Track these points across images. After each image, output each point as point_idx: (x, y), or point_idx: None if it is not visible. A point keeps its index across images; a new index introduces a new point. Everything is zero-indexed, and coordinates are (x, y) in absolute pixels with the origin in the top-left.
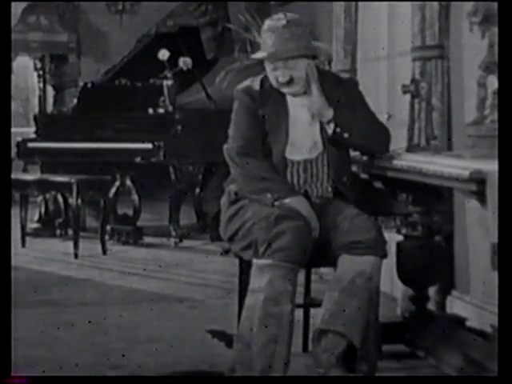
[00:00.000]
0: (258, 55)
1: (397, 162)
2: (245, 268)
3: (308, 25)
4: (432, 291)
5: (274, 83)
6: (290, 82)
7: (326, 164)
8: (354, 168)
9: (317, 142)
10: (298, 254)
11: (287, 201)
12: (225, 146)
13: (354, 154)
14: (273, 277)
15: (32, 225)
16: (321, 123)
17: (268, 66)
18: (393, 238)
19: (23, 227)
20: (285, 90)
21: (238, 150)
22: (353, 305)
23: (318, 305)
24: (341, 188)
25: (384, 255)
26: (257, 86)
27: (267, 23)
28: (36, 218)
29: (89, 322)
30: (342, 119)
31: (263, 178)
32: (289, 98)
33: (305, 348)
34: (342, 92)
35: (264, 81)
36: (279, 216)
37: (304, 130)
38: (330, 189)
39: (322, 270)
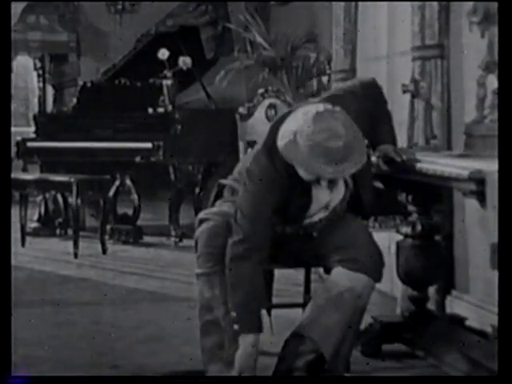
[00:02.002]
0: (292, 156)
1: (396, 162)
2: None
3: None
4: (432, 291)
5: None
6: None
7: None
8: None
9: (339, 199)
10: (214, 255)
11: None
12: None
13: None
14: (200, 286)
15: (32, 224)
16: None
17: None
18: (392, 237)
19: (23, 227)
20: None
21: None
22: (334, 317)
23: None
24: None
25: (378, 279)
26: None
27: (307, 113)
28: (36, 217)
29: (89, 321)
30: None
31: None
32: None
33: None
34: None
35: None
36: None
37: (324, 203)
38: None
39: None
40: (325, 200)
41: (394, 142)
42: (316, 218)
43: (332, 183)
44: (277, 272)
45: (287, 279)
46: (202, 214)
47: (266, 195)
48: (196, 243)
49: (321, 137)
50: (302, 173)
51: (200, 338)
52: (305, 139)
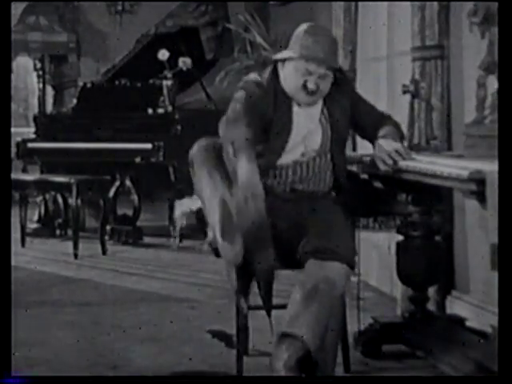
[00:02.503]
0: (289, 54)
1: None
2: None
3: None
4: (432, 291)
5: (292, 87)
6: (314, 93)
7: (321, 166)
8: (354, 168)
9: (313, 149)
10: None
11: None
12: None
13: (355, 154)
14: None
15: (32, 225)
16: (323, 130)
17: (294, 67)
18: (392, 237)
19: (23, 227)
20: (301, 97)
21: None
22: (312, 310)
23: None
24: (335, 189)
25: (352, 265)
26: (265, 83)
27: (304, 27)
28: (36, 218)
29: (88, 322)
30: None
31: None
32: (294, 106)
33: None
34: (345, 99)
35: (272, 81)
36: None
37: (301, 139)
38: (321, 186)
39: None
40: (303, 131)
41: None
42: (294, 157)
43: (310, 110)
44: (276, 273)
45: (288, 280)
46: None
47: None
48: None
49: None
50: (292, 76)
51: None
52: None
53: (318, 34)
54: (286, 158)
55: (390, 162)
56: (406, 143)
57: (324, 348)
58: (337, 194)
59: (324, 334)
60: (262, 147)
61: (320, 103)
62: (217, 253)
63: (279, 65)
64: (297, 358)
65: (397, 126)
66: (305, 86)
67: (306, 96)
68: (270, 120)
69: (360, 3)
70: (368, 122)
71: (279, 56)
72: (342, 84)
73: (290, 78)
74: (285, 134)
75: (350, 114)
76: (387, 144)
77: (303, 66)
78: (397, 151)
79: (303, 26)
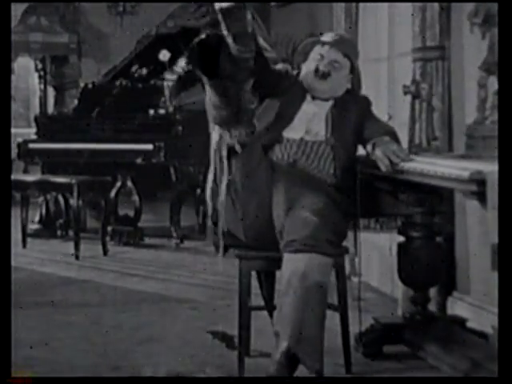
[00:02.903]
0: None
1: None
2: (245, 269)
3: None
4: (433, 292)
5: (307, 72)
6: (325, 76)
7: (323, 153)
8: (356, 168)
9: (318, 133)
10: None
11: None
12: None
13: (356, 154)
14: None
15: (33, 226)
16: (331, 119)
17: (311, 57)
18: (393, 238)
19: (24, 228)
20: (313, 82)
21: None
22: (286, 303)
23: None
24: (338, 179)
25: (325, 252)
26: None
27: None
28: (37, 218)
29: (89, 322)
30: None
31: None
32: (307, 98)
33: None
34: (354, 108)
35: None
36: None
37: (305, 120)
38: (321, 175)
39: None
40: (308, 115)
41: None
42: (299, 134)
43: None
44: (278, 273)
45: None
46: None
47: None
48: None
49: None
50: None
51: None
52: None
53: (339, 32)
54: (293, 134)
55: (388, 163)
56: (406, 145)
57: (302, 340)
58: (336, 189)
59: (300, 326)
60: (267, 124)
61: (330, 103)
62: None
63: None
64: (285, 355)
65: (394, 133)
66: (317, 70)
67: (318, 81)
68: (284, 102)
69: (361, 4)
70: (369, 126)
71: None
72: (358, 100)
73: (306, 66)
74: (290, 116)
75: (357, 122)
76: (386, 145)
77: (318, 50)
78: (394, 152)
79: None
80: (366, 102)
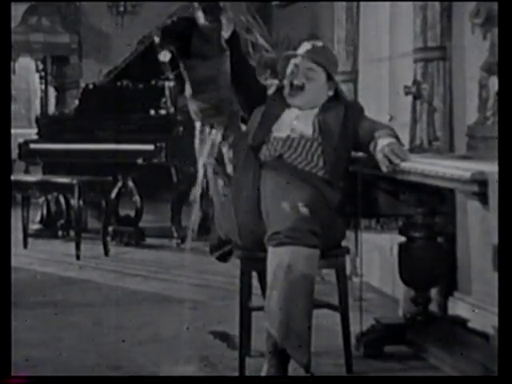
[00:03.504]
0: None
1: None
2: (246, 269)
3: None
4: (434, 292)
5: (286, 88)
6: (302, 89)
7: (313, 147)
8: (357, 168)
9: (304, 132)
10: None
11: None
12: None
13: (357, 154)
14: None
15: (34, 226)
16: (317, 120)
17: (290, 65)
18: (395, 239)
19: (25, 228)
20: (289, 96)
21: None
22: (273, 297)
23: (318, 306)
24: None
25: (308, 244)
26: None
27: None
28: (38, 219)
29: (91, 322)
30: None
31: None
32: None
33: None
34: (341, 109)
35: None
36: None
37: (289, 121)
38: (309, 165)
39: (324, 271)
40: (291, 117)
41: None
42: (285, 133)
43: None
44: None
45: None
46: None
47: None
48: None
49: None
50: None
51: None
52: None
53: (313, 41)
54: (279, 133)
55: (388, 163)
56: (407, 145)
57: (290, 334)
58: (326, 182)
59: (288, 321)
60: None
61: (315, 110)
62: (218, 257)
63: None
64: (274, 350)
65: (393, 129)
66: (291, 84)
67: (294, 94)
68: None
69: (362, 4)
70: (366, 128)
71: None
72: (348, 105)
73: (286, 78)
74: (275, 117)
75: (343, 122)
76: (385, 144)
77: (293, 62)
78: (393, 150)
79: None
80: (357, 108)
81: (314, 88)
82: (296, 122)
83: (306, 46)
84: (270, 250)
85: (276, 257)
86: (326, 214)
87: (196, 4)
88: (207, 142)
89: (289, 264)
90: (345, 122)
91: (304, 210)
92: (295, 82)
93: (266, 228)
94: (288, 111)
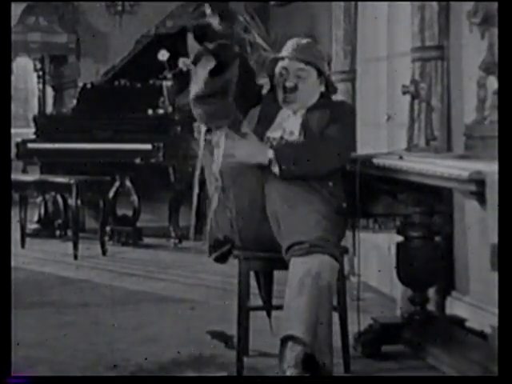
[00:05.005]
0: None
1: (396, 163)
2: (244, 269)
3: (324, 52)
4: (432, 292)
5: (278, 90)
6: (294, 90)
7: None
8: (354, 168)
9: (293, 132)
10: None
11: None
12: None
13: (356, 154)
14: None
15: (31, 226)
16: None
17: (278, 68)
18: (392, 238)
19: (23, 228)
20: (282, 98)
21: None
22: (300, 304)
23: None
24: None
25: (333, 254)
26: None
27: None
28: (35, 218)
29: (88, 322)
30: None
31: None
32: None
33: None
34: (327, 114)
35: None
36: None
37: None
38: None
39: None
40: (283, 116)
41: None
42: (276, 135)
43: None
44: (276, 273)
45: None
46: None
47: None
48: None
49: None
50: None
51: None
52: None
53: (298, 39)
54: (273, 134)
55: None
56: (405, 145)
57: (318, 341)
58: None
59: (316, 326)
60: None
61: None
62: (217, 258)
63: None
64: (301, 358)
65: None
66: (284, 87)
67: (288, 96)
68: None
69: (360, 4)
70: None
71: (272, 56)
72: (335, 105)
73: (276, 82)
74: (270, 118)
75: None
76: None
77: (281, 65)
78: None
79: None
80: (342, 109)
81: (307, 87)
82: (287, 123)
83: (291, 46)
84: (295, 259)
85: (304, 265)
86: (340, 222)
87: (209, 10)
88: (214, 142)
89: (317, 271)
90: (328, 125)
91: (327, 220)
92: (288, 85)
93: (269, 230)
94: (282, 111)
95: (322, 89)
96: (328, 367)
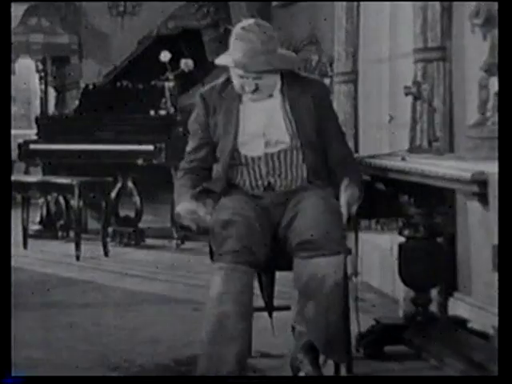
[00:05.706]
0: (224, 61)
1: (399, 164)
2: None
3: (277, 36)
4: (434, 293)
5: (237, 88)
6: (256, 90)
7: (293, 161)
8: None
9: (281, 141)
10: (245, 254)
11: (177, 208)
12: None
13: (356, 155)
14: (217, 279)
15: (34, 226)
16: (288, 120)
17: (233, 71)
18: (395, 239)
19: (25, 229)
20: (248, 96)
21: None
22: (309, 307)
23: None
24: (314, 181)
25: (339, 253)
26: (218, 88)
27: (237, 30)
28: (38, 219)
29: (90, 323)
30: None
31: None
32: (244, 101)
33: None
34: (310, 100)
35: (227, 82)
36: (227, 221)
37: (259, 130)
38: (299, 181)
39: None
40: (258, 123)
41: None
42: (261, 149)
43: (264, 103)
44: (278, 274)
45: (289, 281)
46: None
47: None
48: None
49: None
50: (234, 79)
51: (204, 330)
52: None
53: (245, 37)
54: (254, 151)
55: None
56: (407, 146)
57: (330, 341)
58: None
59: (326, 328)
60: (220, 147)
61: (278, 98)
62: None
63: None
64: (313, 357)
65: (358, 168)
66: (243, 88)
67: (250, 95)
68: (218, 124)
69: (362, 4)
70: (331, 150)
71: (216, 61)
72: (308, 85)
73: (233, 80)
74: (232, 130)
75: (316, 117)
76: (349, 194)
77: (235, 71)
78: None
79: (238, 26)
80: (323, 91)
81: (269, 81)
82: (268, 133)
83: (241, 51)
84: (299, 261)
85: (307, 269)
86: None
87: None
88: None
89: (322, 275)
90: (314, 110)
91: (328, 217)
92: (247, 89)
93: (266, 231)
94: (247, 117)
95: (285, 66)
96: (344, 362)
